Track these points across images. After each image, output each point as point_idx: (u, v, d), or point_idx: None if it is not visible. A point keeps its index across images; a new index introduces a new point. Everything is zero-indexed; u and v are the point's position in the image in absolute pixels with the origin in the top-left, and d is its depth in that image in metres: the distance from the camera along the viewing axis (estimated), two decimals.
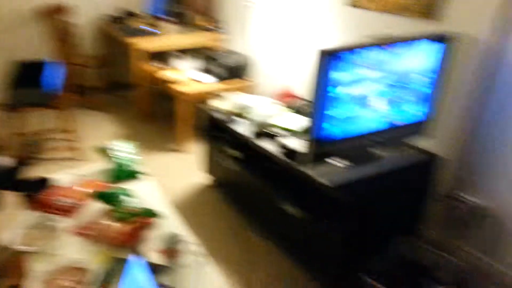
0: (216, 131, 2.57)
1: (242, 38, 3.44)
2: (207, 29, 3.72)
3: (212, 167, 2.74)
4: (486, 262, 1.94)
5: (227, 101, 2.58)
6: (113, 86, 4.32)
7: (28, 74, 3.21)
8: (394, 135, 1.88)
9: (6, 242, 1.47)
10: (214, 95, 2.63)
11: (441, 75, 1.84)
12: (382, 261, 1.60)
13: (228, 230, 2.38)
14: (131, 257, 1.17)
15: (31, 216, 1.62)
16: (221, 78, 3.23)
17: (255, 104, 2.47)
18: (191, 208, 2.55)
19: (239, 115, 2.45)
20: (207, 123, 2.66)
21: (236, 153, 2.39)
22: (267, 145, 2.13)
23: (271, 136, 2.18)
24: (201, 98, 3.05)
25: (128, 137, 2.18)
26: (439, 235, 2.11)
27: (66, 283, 1.30)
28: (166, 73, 3.30)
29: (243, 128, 2.34)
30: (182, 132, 3.20)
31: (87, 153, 3.10)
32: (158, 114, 3.85)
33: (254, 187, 2.30)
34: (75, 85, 3.55)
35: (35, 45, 3.79)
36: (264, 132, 2.22)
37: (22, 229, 1.54)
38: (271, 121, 2.27)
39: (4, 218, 1.90)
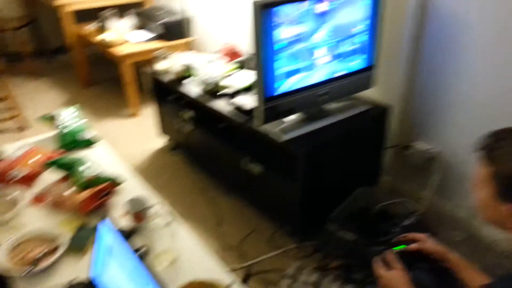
0: (165, 93, 2.56)
1: None
2: None
3: (167, 129, 2.73)
4: (441, 204, 2.11)
5: (171, 61, 2.54)
6: (46, 51, 4.08)
7: None
8: (341, 87, 1.96)
9: None
10: (156, 55, 2.58)
11: (376, 22, 1.89)
12: (344, 210, 1.73)
13: (191, 190, 2.41)
14: (99, 223, 1.20)
15: None
16: (161, 37, 3.14)
17: (201, 63, 2.46)
18: (151, 171, 2.56)
19: (186, 76, 2.44)
20: (154, 86, 2.63)
21: (188, 114, 2.41)
22: (218, 105, 2.15)
23: (220, 95, 2.22)
24: (143, 59, 2.98)
25: (72, 104, 2.12)
26: (397, 183, 2.27)
27: (34, 253, 1.31)
28: (102, 35, 3.16)
29: (191, 88, 2.34)
30: (130, 95, 3.12)
31: (30, 122, 2.97)
32: (100, 78, 3.71)
33: (211, 146, 2.33)
34: (10, 53, 3.32)
35: None
36: (213, 91, 2.25)
37: None
38: (219, 79, 2.28)
39: None
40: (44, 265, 1.26)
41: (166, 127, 2.72)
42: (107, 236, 1.13)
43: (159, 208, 1.47)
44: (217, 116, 2.14)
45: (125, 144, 2.81)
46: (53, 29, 3.89)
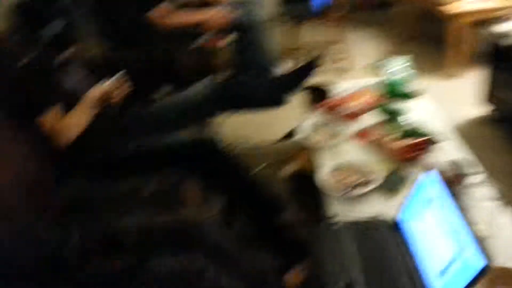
0: (500, 59, 2.26)
1: None
2: None
3: (493, 98, 2.43)
4: None
5: None
6: (372, 4, 4.25)
7: None
8: None
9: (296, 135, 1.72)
10: (497, 15, 2.26)
11: None
12: None
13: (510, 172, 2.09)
14: (420, 173, 1.19)
15: (317, 116, 1.82)
16: None
17: None
18: (465, 138, 2.37)
19: None
20: (488, 49, 2.35)
21: None
22: None
23: None
24: (478, 19, 2.68)
25: (393, 56, 2.13)
26: None
27: (350, 179, 1.44)
28: None
29: None
30: (452, 56, 2.93)
31: (357, 68, 3.21)
32: (421, 35, 3.60)
33: None
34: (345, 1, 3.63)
35: None
36: None
37: (309, 127, 1.76)
38: None
39: (295, 113, 2.20)
40: (357, 193, 1.37)
41: (493, 95, 2.42)
42: (430, 188, 1.12)
43: (479, 179, 1.34)
44: None
45: (439, 104, 2.66)
46: None
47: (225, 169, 1.55)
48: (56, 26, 1.65)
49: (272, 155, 2.26)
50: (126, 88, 1.72)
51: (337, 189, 1.41)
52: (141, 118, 1.80)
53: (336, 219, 1.27)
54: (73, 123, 1.58)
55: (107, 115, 1.71)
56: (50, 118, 1.54)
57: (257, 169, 2.04)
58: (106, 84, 1.66)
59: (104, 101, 1.67)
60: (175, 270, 1.00)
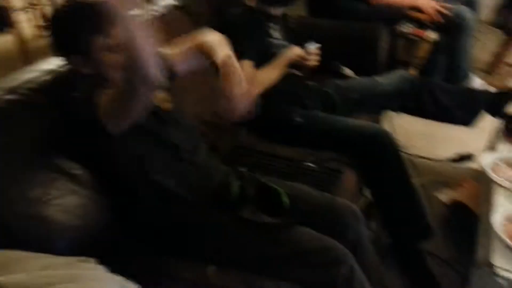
0: None
1: None
2: None
3: None
4: None
5: None
6: None
7: None
8: None
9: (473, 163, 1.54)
10: None
11: None
12: None
13: None
14: None
15: (507, 150, 1.61)
16: None
17: None
18: None
19: None
20: None
21: None
22: None
23: None
24: None
25: None
26: None
27: None
28: None
29: None
30: None
31: None
32: None
33: None
34: None
35: None
36: None
37: (494, 159, 1.56)
38: None
39: (477, 138, 1.99)
40: None
41: None
42: None
43: None
44: None
45: None
46: None
47: (389, 169, 1.49)
48: None
49: (433, 173, 2.11)
50: (318, 59, 1.76)
51: (506, 233, 1.24)
52: (322, 90, 1.82)
53: (500, 272, 1.13)
54: (263, 77, 1.68)
55: (291, 78, 1.78)
56: (247, 66, 1.67)
57: (416, 181, 1.93)
58: (304, 49, 1.71)
59: (298, 64, 1.73)
60: (316, 246, 1.03)
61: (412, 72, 2.57)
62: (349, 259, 1.02)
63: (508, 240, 1.22)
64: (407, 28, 2.60)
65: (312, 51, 1.71)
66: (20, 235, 0.92)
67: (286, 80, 1.73)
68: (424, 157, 2.22)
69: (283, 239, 1.04)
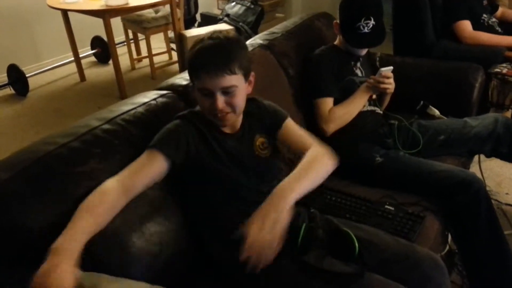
0: None
1: None
2: None
3: None
4: None
5: None
6: None
7: None
8: None
9: None
10: None
11: None
12: None
13: None
14: None
15: None
16: None
17: None
18: None
19: None
20: None
21: None
22: None
23: None
24: None
25: None
26: None
27: None
28: None
29: None
30: None
31: None
32: None
33: None
34: None
35: None
36: None
37: None
38: None
39: None
40: None
41: None
42: None
43: None
44: None
45: None
46: None
47: (478, 219, 1.36)
48: (370, 24, 1.70)
49: None
50: (393, 85, 1.71)
51: None
52: (406, 130, 1.75)
53: None
54: (343, 111, 1.66)
55: (376, 116, 1.74)
56: (327, 102, 1.67)
57: (507, 232, 1.74)
58: (383, 71, 1.67)
59: (375, 89, 1.68)
60: None
61: (507, 115, 2.38)
62: None
63: None
64: (503, 68, 2.44)
65: (386, 74, 1.67)
66: (103, 258, 0.97)
67: (366, 117, 1.70)
68: None
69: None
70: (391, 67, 1.70)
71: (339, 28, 1.75)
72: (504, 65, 2.44)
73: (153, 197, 1.10)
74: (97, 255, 0.94)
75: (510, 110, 2.43)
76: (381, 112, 1.81)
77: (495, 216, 1.38)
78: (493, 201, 1.83)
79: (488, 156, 1.75)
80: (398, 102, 1.86)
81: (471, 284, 1.43)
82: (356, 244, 1.06)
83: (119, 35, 4.00)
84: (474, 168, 1.93)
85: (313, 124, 1.68)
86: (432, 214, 1.37)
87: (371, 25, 1.67)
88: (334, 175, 1.52)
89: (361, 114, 1.70)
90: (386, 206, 1.35)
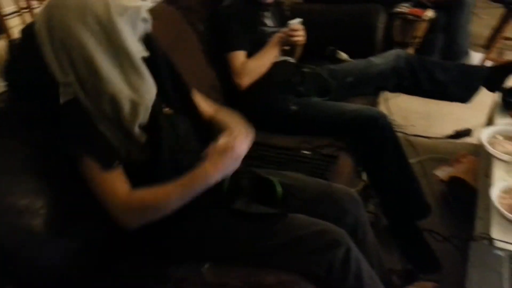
0: None
1: None
2: None
3: None
4: None
5: None
6: None
7: None
8: None
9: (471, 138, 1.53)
10: None
11: None
12: None
13: None
14: None
15: (505, 124, 1.59)
16: None
17: None
18: None
19: None
20: None
21: None
22: None
23: None
24: None
25: None
26: None
27: None
28: None
29: None
30: None
31: None
32: None
33: None
34: None
35: None
36: None
37: (492, 133, 1.55)
38: None
39: (474, 113, 1.99)
40: None
41: None
42: None
43: None
44: None
45: None
46: None
47: (385, 151, 1.48)
48: None
49: (430, 151, 2.10)
50: (304, 34, 1.74)
51: (508, 211, 1.24)
52: (316, 75, 1.81)
53: (497, 244, 1.13)
54: (256, 65, 1.67)
55: (284, 65, 1.78)
56: (239, 55, 1.67)
57: (414, 160, 1.93)
58: (288, 27, 1.70)
59: (288, 48, 1.71)
60: (313, 230, 1.03)
61: (410, 51, 2.55)
62: (346, 240, 1.02)
63: (506, 213, 1.22)
64: (404, 8, 2.58)
65: (295, 26, 1.70)
66: (8, 244, 0.91)
67: (278, 68, 1.73)
68: (421, 136, 2.23)
69: (278, 228, 1.04)
70: (300, 19, 1.72)
71: None
72: (406, 5, 2.58)
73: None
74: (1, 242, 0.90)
75: (412, 46, 2.61)
76: (294, 61, 1.85)
77: (400, 147, 1.51)
78: (401, 134, 2.00)
79: (392, 91, 1.88)
80: (309, 49, 1.91)
81: (384, 211, 1.57)
82: (278, 189, 1.12)
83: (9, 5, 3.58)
84: (383, 106, 2.08)
85: (228, 78, 1.68)
86: (345, 152, 1.47)
87: None
88: (254, 127, 1.55)
89: (274, 65, 1.72)
90: (303, 151, 1.42)
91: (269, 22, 1.82)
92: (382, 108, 2.16)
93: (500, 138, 1.53)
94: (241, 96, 1.67)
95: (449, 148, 2.11)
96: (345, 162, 1.44)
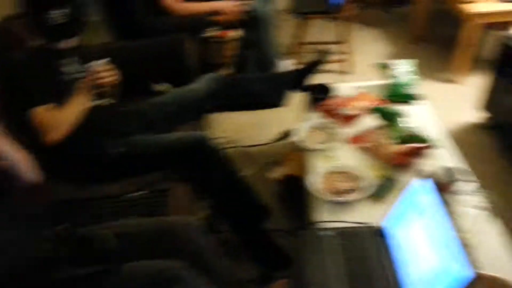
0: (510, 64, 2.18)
1: None
2: None
3: (493, 105, 2.40)
4: None
5: None
6: (389, 1, 4.15)
7: None
8: None
9: (292, 137, 1.69)
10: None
11: None
12: None
13: (498, 180, 2.08)
14: (411, 179, 1.16)
15: (315, 118, 1.79)
16: None
17: None
18: (460, 145, 2.35)
19: None
20: (500, 54, 2.28)
21: None
22: None
23: None
24: (495, 22, 2.60)
25: (398, 58, 2.10)
26: None
27: (341, 185, 1.42)
28: None
29: None
30: (461, 60, 2.85)
31: (361, 69, 3.15)
32: (433, 35, 3.52)
33: None
34: None
35: None
36: None
37: (306, 128, 1.73)
38: None
39: (292, 114, 2.18)
40: (347, 199, 1.35)
41: (492, 102, 2.39)
42: (420, 194, 1.09)
43: (471, 187, 1.31)
44: None
45: (438, 109, 2.62)
46: None
47: (215, 171, 1.52)
48: (61, 13, 1.62)
49: (264, 157, 2.25)
50: (115, 75, 1.69)
51: (326, 194, 1.39)
52: (138, 112, 1.78)
53: (323, 226, 1.25)
54: (65, 116, 1.56)
55: (101, 109, 1.70)
56: (43, 111, 1.53)
57: (247, 171, 2.04)
58: (92, 67, 1.62)
59: (95, 87, 1.64)
60: (149, 274, 1.00)
61: (227, 71, 2.71)
62: (184, 273, 1.01)
63: (321, 195, 1.36)
64: (211, 32, 2.73)
65: (97, 68, 1.64)
66: None
67: (94, 114, 1.65)
68: (253, 145, 2.37)
69: (114, 283, 0.98)
70: (106, 59, 1.67)
71: (28, 22, 1.60)
72: (215, 28, 2.74)
73: None
74: None
75: (227, 66, 2.77)
76: (111, 102, 1.78)
77: (228, 164, 1.58)
78: (236, 148, 2.08)
79: (215, 112, 1.96)
80: (129, 86, 1.86)
81: (229, 226, 1.61)
82: (106, 244, 1.06)
83: None
84: (215, 127, 2.15)
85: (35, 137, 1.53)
86: (179, 183, 1.46)
87: (63, 14, 1.58)
88: (79, 183, 1.44)
89: (89, 112, 1.63)
90: (132, 195, 1.37)
91: (71, 68, 1.73)
92: (214, 128, 2.24)
93: (313, 130, 1.72)
94: (60, 153, 1.54)
95: (278, 150, 2.27)
96: (181, 192, 1.44)
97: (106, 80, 1.66)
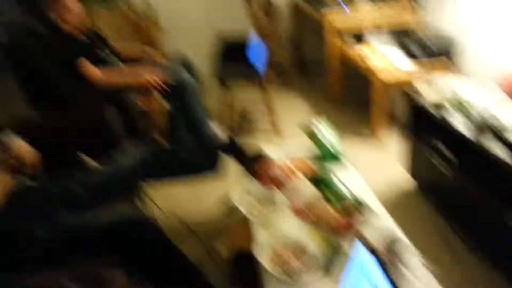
0: (422, 124, 2.37)
1: (445, 11, 2.99)
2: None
3: (414, 165, 2.53)
4: None
5: (435, 88, 2.34)
6: (304, 65, 4.43)
7: (235, 49, 3.39)
8: None
9: (235, 207, 1.65)
10: (418, 81, 2.41)
11: None
12: None
13: (430, 240, 2.13)
14: (359, 247, 1.17)
15: (253, 185, 1.78)
16: (424, 60, 2.90)
17: (471, 94, 2.16)
18: (387, 206, 2.42)
19: (454, 107, 2.17)
20: (410, 114, 2.48)
21: (450, 154, 2.15)
22: (493, 147, 1.81)
23: (498, 136, 1.88)
24: (402, 84, 2.87)
25: (320, 118, 2.20)
26: None
27: (291, 261, 1.38)
28: (362, 53, 3.15)
29: (458, 123, 2.08)
30: (377, 120, 3.08)
31: (285, 128, 3.25)
32: (350, 97, 3.77)
33: (469, 195, 2.02)
34: (274, 63, 3.70)
35: (236, 19, 3.95)
36: (489, 129, 1.92)
37: (245, 197, 1.70)
38: (497, 115, 1.90)
39: (229, 183, 2.13)
40: (295, 272, 1.32)
41: (414, 161, 2.53)
42: (361, 261, 1.10)
43: (412, 253, 1.36)
44: (489, 160, 1.82)
45: (361, 170, 2.72)
46: (314, 45, 4.17)
47: (151, 253, 1.42)
48: None
49: (212, 226, 2.18)
50: (28, 151, 1.57)
51: (275, 267, 1.35)
52: (63, 191, 1.63)
53: None
54: None
55: (21, 190, 1.54)
56: None
57: (195, 241, 1.94)
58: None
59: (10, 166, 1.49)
60: None
61: (158, 138, 2.64)
62: None
63: (275, 270, 1.32)
64: (137, 101, 2.69)
65: (10, 145, 1.53)
66: None
67: (14, 198, 1.48)
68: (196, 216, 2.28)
69: None
70: (13, 136, 1.56)
71: None
72: (139, 95, 2.69)
73: None
74: None
75: (155, 134, 2.71)
76: (31, 183, 1.62)
77: (167, 241, 1.48)
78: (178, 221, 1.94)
79: (146, 183, 1.87)
80: (52, 160, 1.71)
81: None
82: None
83: None
84: (151, 201, 2.04)
85: None
86: (117, 267, 1.33)
87: None
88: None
89: (8, 196, 1.47)
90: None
91: None
92: (148, 203, 2.12)
93: (252, 199, 1.70)
94: None
95: (223, 220, 2.12)
96: (118, 277, 1.30)
97: (21, 158, 1.52)
